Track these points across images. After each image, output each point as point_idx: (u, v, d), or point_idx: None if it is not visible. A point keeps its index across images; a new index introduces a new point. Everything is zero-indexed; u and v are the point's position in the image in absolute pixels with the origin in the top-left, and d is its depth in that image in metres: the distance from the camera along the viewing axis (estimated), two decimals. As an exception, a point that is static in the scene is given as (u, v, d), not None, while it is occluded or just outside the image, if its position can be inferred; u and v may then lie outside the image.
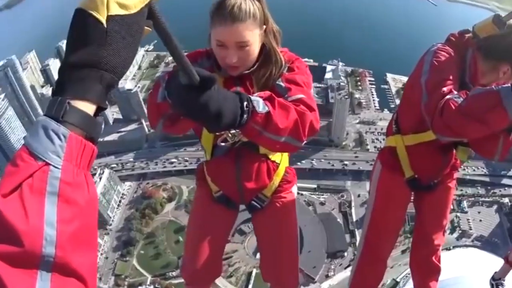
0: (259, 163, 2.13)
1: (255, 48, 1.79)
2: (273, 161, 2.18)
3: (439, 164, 2.53)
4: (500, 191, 57.65)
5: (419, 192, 2.74)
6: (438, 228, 2.75)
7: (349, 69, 71.58)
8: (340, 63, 69.99)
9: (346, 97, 61.55)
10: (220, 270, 2.57)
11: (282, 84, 1.77)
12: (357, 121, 65.30)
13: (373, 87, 68.45)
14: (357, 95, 65.82)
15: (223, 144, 1.88)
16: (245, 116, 1.27)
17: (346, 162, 60.27)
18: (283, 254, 2.45)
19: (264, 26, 1.79)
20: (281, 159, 2.24)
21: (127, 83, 68.27)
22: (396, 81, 67.06)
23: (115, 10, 0.77)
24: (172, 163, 63.60)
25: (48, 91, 72.22)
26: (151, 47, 78.05)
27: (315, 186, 58.39)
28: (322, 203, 56.81)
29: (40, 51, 77.13)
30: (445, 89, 1.94)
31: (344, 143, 62.93)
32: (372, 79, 70.83)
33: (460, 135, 1.99)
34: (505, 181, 58.07)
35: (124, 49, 0.79)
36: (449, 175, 2.66)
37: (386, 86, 68.71)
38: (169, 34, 0.91)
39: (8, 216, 0.60)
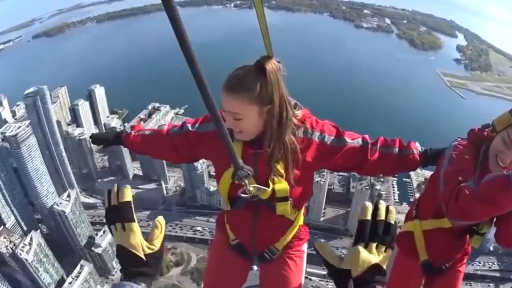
0: (275, 219, 2.18)
1: (250, 123, 1.80)
2: (288, 218, 2.24)
3: (452, 249, 2.73)
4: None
5: (431, 276, 2.92)
6: None
7: (373, 160, 70.86)
8: (365, 154, 69.69)
9: (367, 187, 61.19)
10: None
11: (329, 137, 2.07)
12: (375, 213, 64.19)
13: (394, 180, 67.83)
14: (378, 187, 65.20)
15: (243, 195, 1.97)
16: None
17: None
18: None
19: (269, 106, 1.77)
20: (296, 217, 2.30)
21: (152, 142, 68.79)
22: (418, 174, 66.50)
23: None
24: (189, 229, 63.57)
25: (74, 130, 72.66)
26: (182, 110, 78.94)
27: (324, 273, 57.80)
28: (330, 290, 56.35)
29: (71, 89, 78.09)
30: (460, 178, 2.10)
31: (359, 233, 62.14)
32: (395, 171, 70.23)
33: (473, 218, 2.09)
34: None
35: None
36: (460, 259, 2.87)
37: (408, 180, 68.20)
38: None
39: None
